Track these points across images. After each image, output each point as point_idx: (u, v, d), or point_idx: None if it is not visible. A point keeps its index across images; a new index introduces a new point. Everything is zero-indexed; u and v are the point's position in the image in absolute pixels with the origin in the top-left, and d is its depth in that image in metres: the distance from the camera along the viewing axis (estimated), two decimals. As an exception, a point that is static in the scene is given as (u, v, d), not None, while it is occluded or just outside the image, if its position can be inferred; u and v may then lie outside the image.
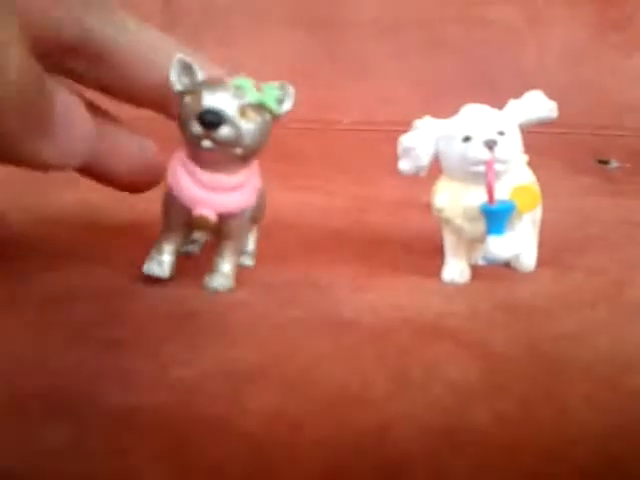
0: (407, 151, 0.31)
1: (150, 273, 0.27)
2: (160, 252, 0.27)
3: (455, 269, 0.30)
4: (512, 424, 0.17)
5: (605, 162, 0.63)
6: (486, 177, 0.27)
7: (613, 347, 0.22)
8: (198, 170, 0.26)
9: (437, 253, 0.34)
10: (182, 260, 0.29)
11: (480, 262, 0.31)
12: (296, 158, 0.60)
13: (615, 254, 0.34)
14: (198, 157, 0.26)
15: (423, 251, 0.36)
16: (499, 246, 0.28)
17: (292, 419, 0.17)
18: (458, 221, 0.29)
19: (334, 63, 0.69)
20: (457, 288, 0.29)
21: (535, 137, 0.68)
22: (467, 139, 0.28)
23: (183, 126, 0.25)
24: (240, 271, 0.28)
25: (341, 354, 0.22)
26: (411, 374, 0.20)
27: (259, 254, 0.32)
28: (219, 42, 0.68)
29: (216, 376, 0.20)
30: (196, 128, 0.24)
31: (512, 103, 0.32)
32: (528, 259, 0.31)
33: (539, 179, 0.32)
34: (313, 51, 0.69)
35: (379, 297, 0.28)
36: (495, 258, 0.28)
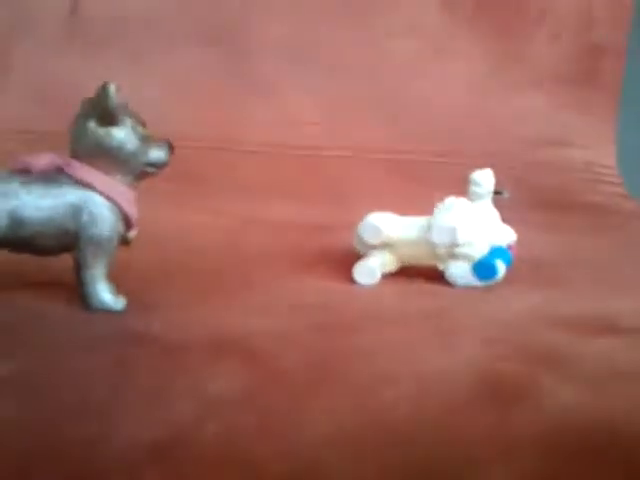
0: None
1: None
2: None
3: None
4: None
5: (499, 192, 0.65)
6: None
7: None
8: None
9: (294, 272, 0.34)
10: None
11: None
12: (193, 177, 0.60)
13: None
14: None
15: (279, 266, 0.36)
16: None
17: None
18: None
19: (241, 84, 0.69)
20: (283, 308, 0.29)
21: (434, 167, 0.69)
22: None
23: None
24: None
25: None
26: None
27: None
28: (124, 57, 0.67)
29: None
30: None
31: None
32: None
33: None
34: (220, 71, 0.69)
35: (199, 315, 0.28)
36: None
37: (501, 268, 0.33)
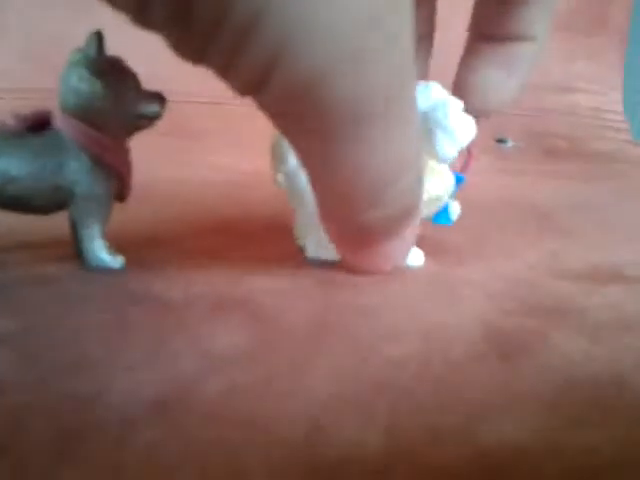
0: None
1: None
2: None
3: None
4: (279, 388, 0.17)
5: (502, 141, 0.64)
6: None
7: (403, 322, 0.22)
8: None
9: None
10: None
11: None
12: (191, 133, 0.59)
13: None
14: None
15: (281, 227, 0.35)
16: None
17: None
18: None
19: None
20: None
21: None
22: None
23: None
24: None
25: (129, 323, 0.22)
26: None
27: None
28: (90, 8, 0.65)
29: None
30: None
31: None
32: None
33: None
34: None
35: (200, 273, 0.27)
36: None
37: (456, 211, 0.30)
